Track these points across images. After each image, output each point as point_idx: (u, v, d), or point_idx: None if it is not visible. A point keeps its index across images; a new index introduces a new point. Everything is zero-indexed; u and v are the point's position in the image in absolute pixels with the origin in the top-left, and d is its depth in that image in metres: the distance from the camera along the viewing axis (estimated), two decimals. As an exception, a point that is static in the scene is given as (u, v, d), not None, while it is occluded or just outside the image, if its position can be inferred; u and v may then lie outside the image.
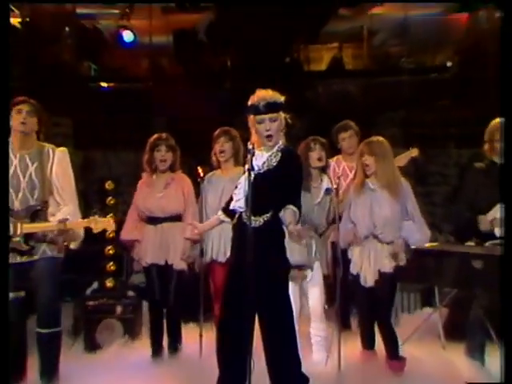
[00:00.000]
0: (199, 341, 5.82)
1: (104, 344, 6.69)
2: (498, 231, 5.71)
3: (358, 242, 5.68)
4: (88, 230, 5.21)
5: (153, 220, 6.14)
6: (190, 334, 6.27)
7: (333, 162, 6.62)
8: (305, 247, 5.52)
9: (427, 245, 6.03)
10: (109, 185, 7.51)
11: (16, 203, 5.01)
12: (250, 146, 4.32)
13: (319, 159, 5.65)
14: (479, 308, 5.67)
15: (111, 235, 7.18)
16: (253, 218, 4.24)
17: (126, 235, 6.30)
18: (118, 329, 6.87)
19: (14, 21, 9.10)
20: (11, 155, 5.06)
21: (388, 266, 5.53)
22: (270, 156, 4.47)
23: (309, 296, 5.80)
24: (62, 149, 5.24)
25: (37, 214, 5.06)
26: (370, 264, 5.61)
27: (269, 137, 4.40)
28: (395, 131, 8.98)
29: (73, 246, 5.19)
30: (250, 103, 4.47)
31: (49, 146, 5.18)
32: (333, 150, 6.53)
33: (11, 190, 5.00)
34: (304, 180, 5.21)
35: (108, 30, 10.73)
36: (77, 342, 6.77)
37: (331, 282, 5.84)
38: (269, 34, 8.86)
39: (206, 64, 10.42)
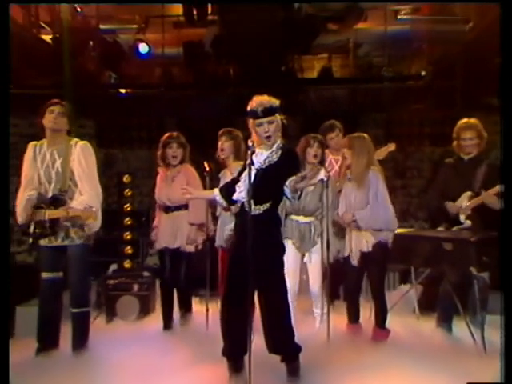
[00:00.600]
0: (206, 314, 5.83)
1: (122, 317, 6.79)
2: (462, 218, 5.74)
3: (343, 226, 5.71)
4: (110, 219, 5.23)
5: (166, 209, 6.17)
6: (198, 308, 6.29)
7: None
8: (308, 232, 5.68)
9: (405, 230, 6.05)
10: (126, 178, 7.53)
11: (49, 192, 5.04)
12: (250, 144, 4.33)
13: (315, 156, 5.65)
14: (448, 284, 5.73)
15: (129, 223, 7.23)
16: (254, 206, 4.26)
17: (155, 223, 6.33)
18: (135, 304, 6.90)
19: (46, 37, 9.10)
20: (45, 151, 5.09)
21: (365, 247, 5.54)
22: (271, 153, 4.45)
23: (309, 275, 5.84)
24: (84, 142, 5.22)
25: (59, 201, 5.04)
26: (353, 246, 5.64)
27: (268, 137, 4.39)
28: (377, 131, 8.99)
29: (89, 232, 5.17)
30: (249, 108, 4.44)
31: (74, 141, 5.17)
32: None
33: (45, 181, 5.05)
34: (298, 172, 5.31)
35: (126, 43, 10.70)
36: (99, 314, 6.79)
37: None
38: (267, 46, 8.84)
39: (211, 72, 10.37)
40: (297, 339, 4.49)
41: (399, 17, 10.35)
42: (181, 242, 6.10)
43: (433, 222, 6.16)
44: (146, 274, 7.23)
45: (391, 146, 6.47)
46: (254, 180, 4.21)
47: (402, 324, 6.03)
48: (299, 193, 4.49)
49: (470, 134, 5.84)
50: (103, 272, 7.51)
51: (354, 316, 5.78)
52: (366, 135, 5.70)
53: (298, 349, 4.47)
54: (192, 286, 6.28)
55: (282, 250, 4.60)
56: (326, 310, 5.67)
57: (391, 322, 5.89)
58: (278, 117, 4.46)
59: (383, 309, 5.64)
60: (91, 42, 9.86)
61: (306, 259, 5.79)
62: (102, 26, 10.21)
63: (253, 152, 4.33)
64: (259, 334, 4.41)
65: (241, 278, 4.31)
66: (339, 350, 5.11)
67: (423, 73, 10.02)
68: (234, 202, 4.72)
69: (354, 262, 5.62)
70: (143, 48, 10.72)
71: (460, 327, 5.71)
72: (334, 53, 11.11)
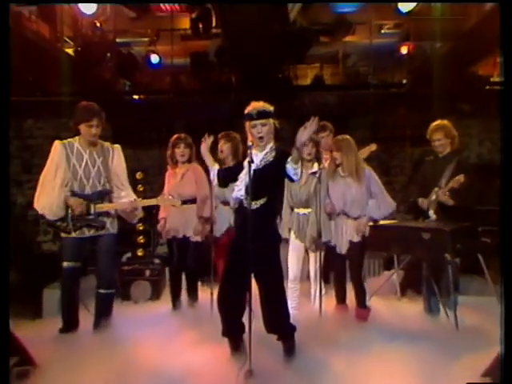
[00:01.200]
0: (210, 298, 5.80)
1: (136, 299, 6.86)
2: (431, 212, 5.79)
3: (332, 217, 5.72)
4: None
5: None
6: (203, 292, 6.26)
7: None
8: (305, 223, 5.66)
9: (388, 222, 6.08)
10: (139, 175, 7.56)
11: (87, 188, 5.04)
12: (249, 143, 4.34)
13: (309, 154, 5.62)
14: (426, 269, 5.80)
15: (141, 215, 7.25)
16: (252, 202, 4.25)
17: (161, 214, 6.28)
18: (147, 288, 6.96)
19: (69, 50, 9.15)
20: (82, 151, 5.06)
21: (356, 237, 5.61)
22: (265, 155, 4.44)
23: (310, 262, 5.84)
24: (117, 146, 5.28)
25: (105, 196, 5.10)
26: (342, 236, 5.67)
27: (260, 138, 4.39)
28: (364, 133, 8.98)
29: (134, 221, 5.28)
30: (246, 112, 4.46)
31: (107, 144, 5.22)
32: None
33: (83, 178, 5.03)
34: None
35: (139, 55, 10.76)
36: (116, 297, 6.81)
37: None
38: (265, 56, 8.83)
39: (215, 80, 10.39)
40: (293, 318, 4.51)
41: (383, 31, 10.46)
42: (188, 233, 6.10)
43: (413, 214, 6.20)
44: (156, 261, 7.26)
45: (373, 147, 6.48)
46: (252, 178, 4.21)
47: (386, 305, 6.09)
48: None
49: (438, 135, 5.89)
50: (119, 259, 7.46)
51: (341, 297, 5.81)
52: (349, 137, 5.76)
53: (293, 328, 4.48)
54: (198, 272, 6.27)
55: (279, 238, 4.60)
56: (318, 292, 5.69)
57: (376, 303, 5.99)
58: (271, 120, 4.45)
59: (362, 290, 5.71)
60: (108, 54, 9.88)
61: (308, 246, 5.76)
62: (118, 40, 10.29)
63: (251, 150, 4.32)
64: (258, 317, 4.38)
65: (239, 265, 4.33)
66: (328, 325, 5.21)
67: (404, 81, 10.09)
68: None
69: (343, 250, 5.67)
70: (154, 59, 10.81)
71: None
72: (325, 62, 11.19)
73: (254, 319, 4.16)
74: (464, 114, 9.31)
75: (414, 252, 5.82)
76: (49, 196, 4.97)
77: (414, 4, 8.63)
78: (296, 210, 5.76)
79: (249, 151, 4.30)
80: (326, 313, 5.57)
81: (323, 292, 5.67)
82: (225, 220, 5.93)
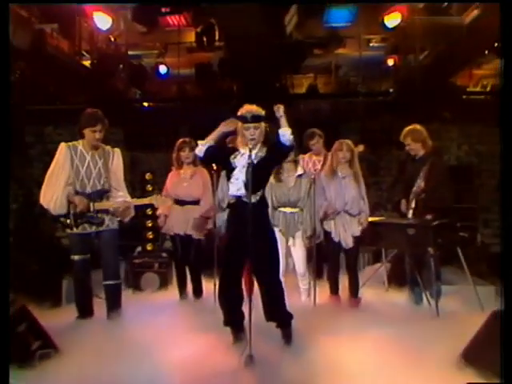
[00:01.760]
0: (213, 289, 5.80)
1: (145, 290, 6.88)
2: (410, 213, 5.80)
3: (332, 216, 5.72)
4: (135, 209, 5.30)
5: (180, 202, 6.12)
6: (207, 284, 6.24)
7: (306, 157, 6.66)
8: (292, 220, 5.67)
9: (377, 219, 6.12)
10: (148, 176, 7.63)
11: (88, 188, 5.07)
12: (250, 146, 4.32)
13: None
14: (410, 261, 5.85)
15: (150, 213, 7.31)
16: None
17: (160, 211, 6.21)
18: (155, 279, 7.00)
19: (86, 62, 9.21)
20: (84, 153, 5.10)
21: (357, 231, 5.65)
22: (257, 152, 4.36)
23: (294, 258, 5.80)
24: (117, 149, 5.30)
25: (104, 196, 5.13)
26: (346, 232, 5.68)
27: (252, 139, 4.34)
28: (354, 137, 9.02)
29: (126, 219, 5.25)
30: (239, 114, 4.40)
31: (108, 147, 5.24)
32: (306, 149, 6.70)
33: (85, 178, 5.07)
34: (275, 173, 5.41)
35: (149, 66, 10.78)
36: (127, 288, 6.85)
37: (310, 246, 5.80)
38: (263, 67, 8.84)
39: (218, 88, 10.41)
40: (289, 308, 4.52)
41: (371, 44, 10.49)
42: (185, 230, 6.08)
43: (398, 212, 6.23)
44: (164, 254, 7.26)
45: (360, 147, 6.48)
46: (249, 174, 4.20)
47: (374, 294, 6.14)
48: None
49: (407, 140, 5.93)
50: (130, 253, 7.56)
51: (334, 289, 5.84)
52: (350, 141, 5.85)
53: (290, 316, 4.48)
54: (201, 265, 6.25)
55: (273, 230, 4.59)
56: (307, 286, 5.77)
57: (365, 293, 6.03)
58: (262, 124, 4.42)
59: (357, 282, 5.75)
60: (121, 66, 9.92)
61: (290, 243, 5.75)
62: (129, 53, 10.29)
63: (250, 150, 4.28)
64: (258, 308, 4.41)
65: (236, 259, 4.37)
66: (322, 314, 5.24)
67: (391, 90, 10.11)
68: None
69: (350, 244, 5.68)
70: (163, 69, 10.82)
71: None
72: (318, 73, 11.18)
73: (254, 309, 4.17)
74: (444, 120, 9.38)
75: (400, 246, 5.86)
76: (53, 193, 5.01)
77: (399, 20, 8.74)
78: (282, 209, 5.72)
79: (248, 153, 4.28)
80: (320, 303, 5.62)
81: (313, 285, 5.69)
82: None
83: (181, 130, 8.86)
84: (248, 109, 4.40)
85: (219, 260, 4.73)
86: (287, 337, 4.48)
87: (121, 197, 5.16)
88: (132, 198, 5.35)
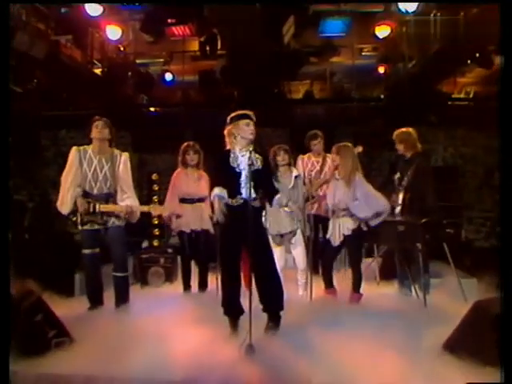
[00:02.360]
0: (216, 283, 5.71)
1: (152, 283, 6.91)
2: (397, 210, 5.80)
3: (331, 215, 5.70)
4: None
5: (189, 200, 6.16)
6: (210, 277, 6.22)
7: (305, 157, 6.63)
8: (292, 219, 5.62)
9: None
10: (155, 176, 7.68)
11: (94, 190, 5.10)
12: (250, 149, 4.34)
13: (283, 159, 5.67)
14: (400, 256, 5.88)
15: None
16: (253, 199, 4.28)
17: (168, 211, 6.19)
18: (162, 273, 7.02)
19: (97, 70, 9.27)
20: (92, 157, 5.13)
21: (347, 231, 5.53)
22: (250, 158, 4.29)
23: (293, 254, 5.79)
24: (126, 153, 5.32)
25: (109, 198, 5.16)
26: (337, 230, 5.60)
27: (251, 134, 4.38)
28: (348, 140, 9.03)
29: (133, 221, 5.29)
30: (233, 115, 4.43)
31: (117, 151, 5.26)
32: (306, 150, 6.68)
33: (92, 181, 5.10)
34: (274, 175, 5.38)
35: (155, 73, 10.81)
36: (135, 281, 6.89)
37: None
38: (263, 74, 8.87)
39: (220, 94, 10.43)
40: (287, 302, 4.54)
41: (363, 53, 10.53)
42: (200, 226, 6.13)
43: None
44: (169, 250, 7.26)
45: (359, 148, 6.49)
46: (250, 180, 4.24)
47: (366, 288, 6.08)
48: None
49: (397, 142, 5.97)
50: (137, 249, 7.58)
51: (329, 283, 5.76)
52: (349, 144, 5.73)
53: (281, 307, 4.47)
54: (208, 259, 6.24)
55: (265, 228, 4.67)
56: (304, 280, 5.77)
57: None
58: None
59: (359, 277, 5.60)
60: (130, 73, 9.97)
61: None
62: (137, 61, 10.38)
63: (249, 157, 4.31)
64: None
65: (233, 255, 4.41)
66: (318, 306, 5.26)
67: (382, 96, 10.17)
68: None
69: (337, 242, 5.59)
70: (168, 77, 10.86)
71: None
72: (314, 79, 11.21)
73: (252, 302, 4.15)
74: (431, 124, 9.42)
75: (391, 242, 5.88)
76: (62, 193, 5.10)
77: (389, 31, 8.82)
78: (283, 208, 5.59)
79: (249, 157, 4.30)
80: (316, 294, 5.61)
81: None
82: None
83: (185, 134, 8.89)
84: (242, 111, 4.45)
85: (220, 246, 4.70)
86: (275, 324, 4.43)
87: (128, 198, 5.17)
88: (139, 197, 5.39)
